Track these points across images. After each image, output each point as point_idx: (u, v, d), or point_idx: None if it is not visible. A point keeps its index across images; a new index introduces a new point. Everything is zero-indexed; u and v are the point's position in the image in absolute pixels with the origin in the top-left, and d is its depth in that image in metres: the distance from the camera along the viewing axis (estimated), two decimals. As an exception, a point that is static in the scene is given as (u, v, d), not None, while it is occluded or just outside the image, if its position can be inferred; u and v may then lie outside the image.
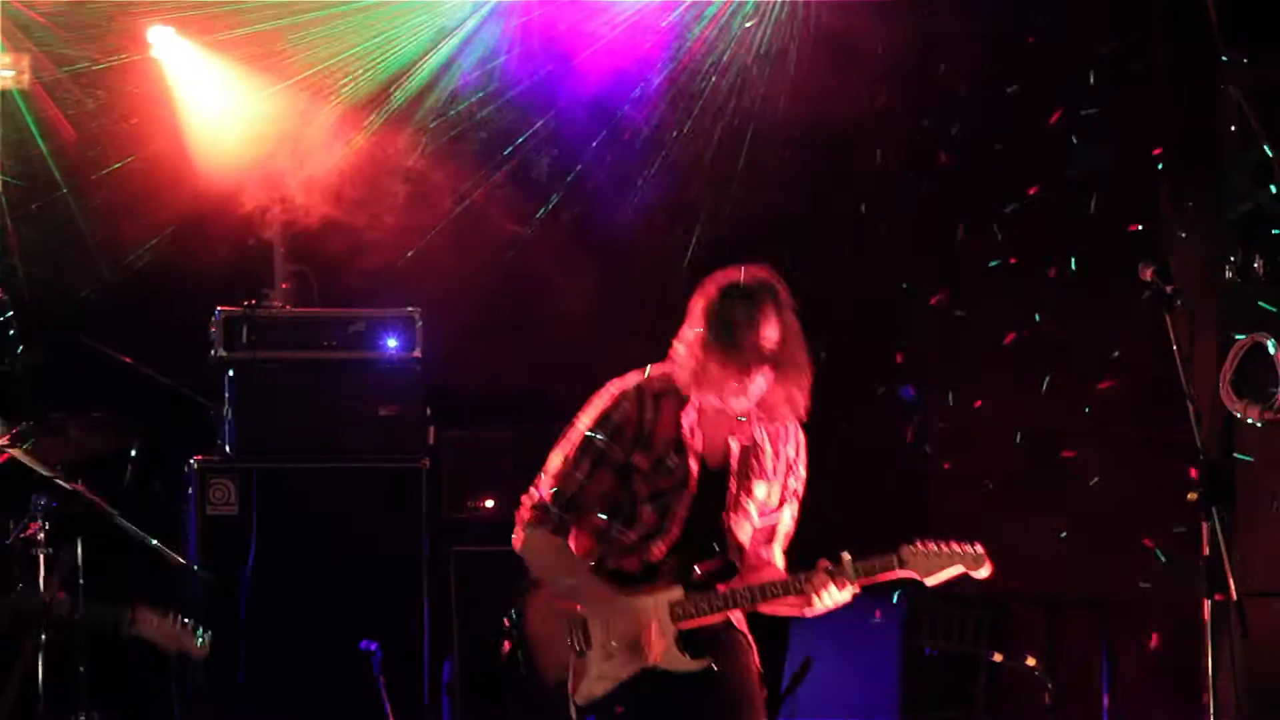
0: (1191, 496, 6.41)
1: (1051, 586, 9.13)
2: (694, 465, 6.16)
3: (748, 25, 9.75)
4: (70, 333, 9.29)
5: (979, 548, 6.10)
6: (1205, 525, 6.41)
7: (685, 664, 6.09)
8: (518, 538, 6.29)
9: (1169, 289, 6.65)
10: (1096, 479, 9.01)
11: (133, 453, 8.66)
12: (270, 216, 9.57)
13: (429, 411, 9.00)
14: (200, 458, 8.71)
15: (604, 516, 6.20)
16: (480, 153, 9.97)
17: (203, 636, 7.57)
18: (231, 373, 8.81)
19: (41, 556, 8.11)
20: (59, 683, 8.15)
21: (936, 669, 9.22)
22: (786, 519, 6.36)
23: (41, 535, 8.11)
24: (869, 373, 9.69)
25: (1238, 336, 7.94)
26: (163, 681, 8.74)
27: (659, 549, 6.15)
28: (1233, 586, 6.41)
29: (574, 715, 6.06)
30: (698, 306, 6.16)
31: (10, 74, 9.45)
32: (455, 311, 9.57)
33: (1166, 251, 8.36)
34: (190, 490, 8.71)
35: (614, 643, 6.09)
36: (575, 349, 10.06)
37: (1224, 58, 8.10)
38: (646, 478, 6.15)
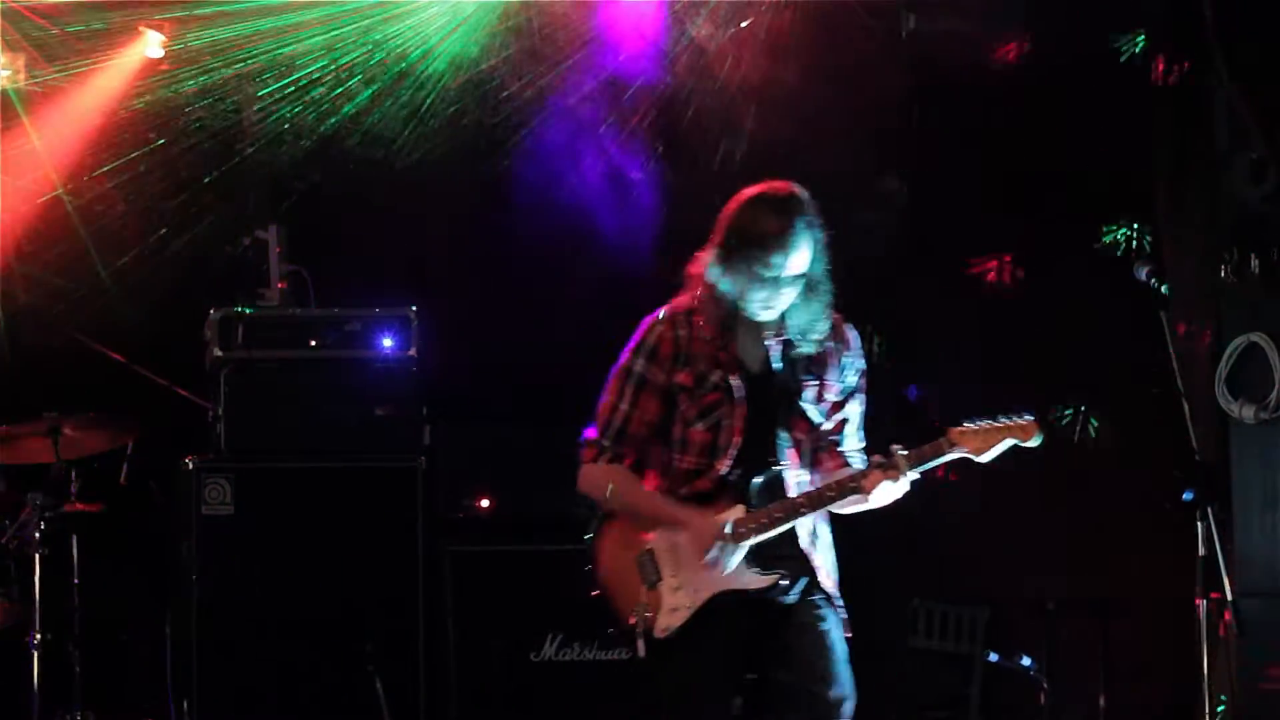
0: (1186, 496, 6.43)
1: (1047, 586, 9.13)
2: (737, 376, 6.07)
3: (744, 25, 9.76)
4: (65, 332, 9.31)
5: (1028, 416, 5.90)
6: (1200, 525, 6.42)
7: (756, 580, 6.01)
8: (579, 479, 6.24)
9: (1164, 289, 6.66)
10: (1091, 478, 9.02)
11: (128, 452, 8.67)
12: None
13: (425, 411, 9.00)
14: (196, 457, 8.70)
15: (660, 445, 6.12)
16: (473, 148, 9.98)
17: None
18: (227, 372, 8.81)
19: (37, 556, 8.14)
20: (54, 682, 8.18)
21: (932, 669, 9.23)
22: (854, 413, 6.23)
23: (36, 535, 8.13)
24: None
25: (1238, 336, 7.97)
26: (158, 681, 8.76)
27: (721, 466, 6.04)
28: (1228, 586, 6.42)
29: (652, 648, 5.99)
30: (724, 220, 6.08)
31: (7, 73, 9.45)
32: (452, 310, 9.58)
33: (1162, 252, 8.36)
34: (186, 490, 8.70)
35: (684, 572, 6.00)
36: (573, 348, 10.06)
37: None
38: (692, 395, 6.06)
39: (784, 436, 6.08)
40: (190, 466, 8.65)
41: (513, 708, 8.75)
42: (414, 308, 9.06)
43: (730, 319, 6.07)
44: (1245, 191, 7.91)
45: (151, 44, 9.58)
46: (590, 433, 6.23)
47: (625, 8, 9.78)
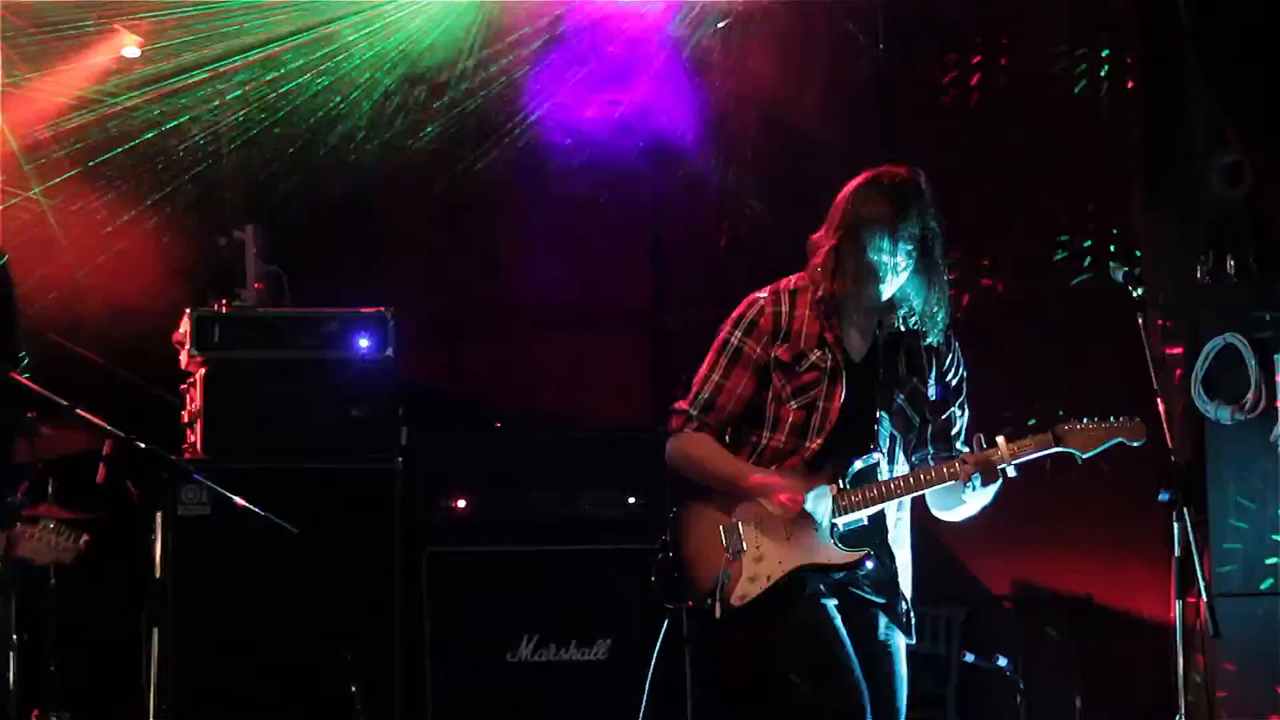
0: (1162, 497, 6.45)
1: (1023, 587, 9.14)
2: (837, 358, 6.01)
3: (720, 25, 9.78)
4: (41, 332, 9.28)
5: (1136, 418, 5.96)
6: (1176, 526, 6.44)
7: (840, 556, 5.97)
8: (666, 449, 6.19)
9: (1139, 290, 6.68)
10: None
11: (105, 453, 8.64)
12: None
13: (401, 411, 8.99)
14: (172, 458, 8.67)
15: (751, 422, 6.09)
16: (455, 149, 9.99)
17: (74, 537, 7.51)
18: (203, 373, 8.79)
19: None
20: (30, 682, 8.16)
21: (908, 669, 9.23)
22: (959, 420, 6.17)
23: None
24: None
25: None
26: (134, 681, 8.74)
27: (813, 445, 6.00)
28: (1203, 586, 6.43)
29: (726, 618, 5.94)
30: (839, 203, 6.03)
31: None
32: (430, 311, 9.58)
33: (1139, 253, 8.38)
34: (162, 491, 8.67)
35: (768, 543, 5.98)
36: (551, 349, 10.07)
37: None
38: (788, 372, 6.01)
39: (885, 424, 6.04)
40: (168, 467, 8.62)
41: (489, 708, 8.74)
42: (391, 308, 9.05)
43: (839, 301, 6.02)
44: (1221, 193, 7.93)
45: (128, 44, 9.58)
46: (681, 403, 6.19)
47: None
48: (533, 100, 9.91)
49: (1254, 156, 7.68)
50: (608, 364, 10.22)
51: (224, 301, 8.96)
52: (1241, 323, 7.86)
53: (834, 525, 5.96)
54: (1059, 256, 9.21)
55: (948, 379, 6.15)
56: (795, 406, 6.02)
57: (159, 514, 8.35)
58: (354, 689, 8.37)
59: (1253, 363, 7.76)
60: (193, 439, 8.81)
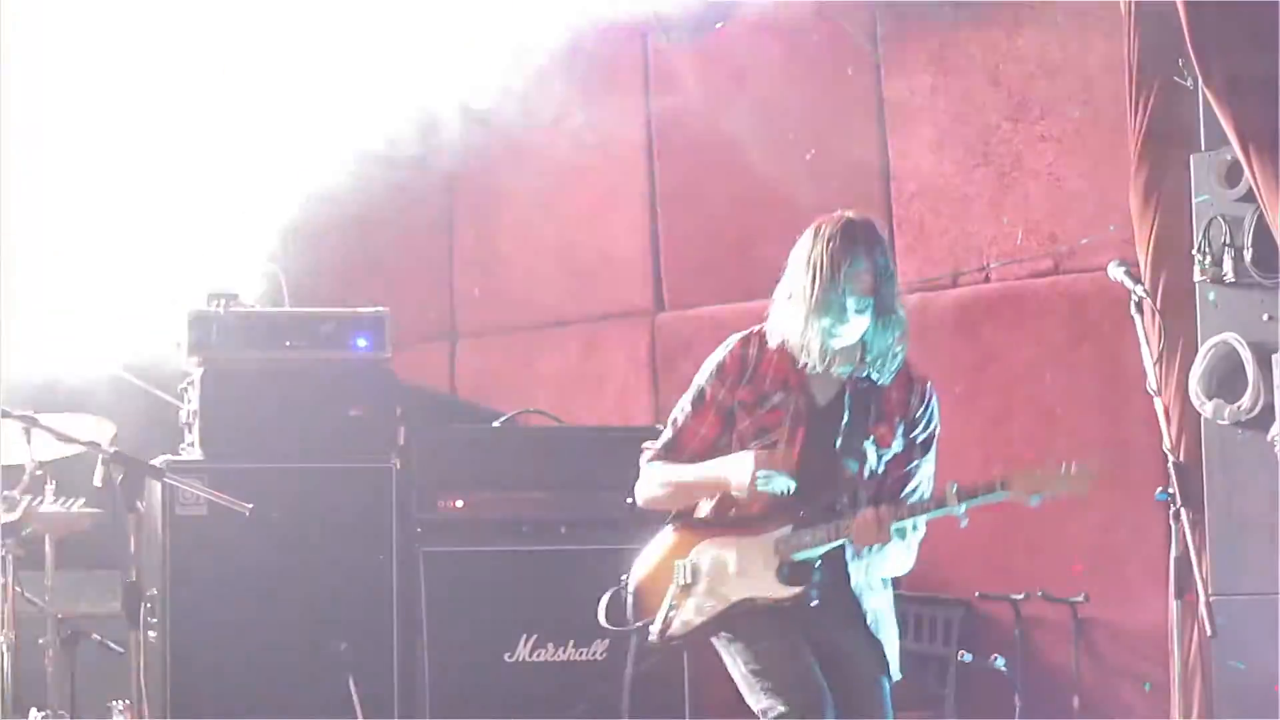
0: (1160, 494, 6.46)
1: (1020, 586, 9.15)
2: (799, 402, 6.13)
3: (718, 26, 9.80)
4: (38, 333, 9.29)
5: (1089, 469, 5.95)
6: (1174, 525, 6.45)
7: (779, 590, 6.06)
8: (635, 489, 6.39)
9: (1139, 289, 6.68)
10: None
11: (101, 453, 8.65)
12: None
13: (399, 412, 8.99)
14: (169, 457, 8.68)
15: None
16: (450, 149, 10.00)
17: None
18: (201, 372, 8.79)
19: (10, 556, 8.12)
20: (26, 682, 8.16)
21: (906, 669, 9.24)
22: (916, 471, 6.25)
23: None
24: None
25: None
26: (130, 681, 8.74)
27: None
28: (1201, 586, 6.44)
29: (662, 643, 6.20)
30: (790, 257, 6.15)
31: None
32: (426, 311, 9.58)
33: (1138, 253, 8.38)
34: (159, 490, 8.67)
35: (717, 579, 6.14)
36: (550, 349, 10.07)
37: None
38: (751, 412, 6.14)
39: (848, 468, 6.13)
40: (163, 467, 8.62)
41: (486, 708, 8.74)
42: (388, 308, 9.06)
43: (799, 349, 6.11)
44: (1219, 192, 7.93)
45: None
46: (650, 443, 6.38)
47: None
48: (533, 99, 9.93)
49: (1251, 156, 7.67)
50: (608, 364, 10.23)
51: (221, 301, 8.96)
52: (1240, 323, 7.86)
53: (779, 562, 6.07)
54: (1058, 254, 9.22)
55: (914, 434, 6.23)
56: (756, 447, 6.09)
57: (132, 516, 8.35)
58: (352, 689, 8.38)
59: (1250, 363, 7.77)
60: (190, 439, 8.82)
